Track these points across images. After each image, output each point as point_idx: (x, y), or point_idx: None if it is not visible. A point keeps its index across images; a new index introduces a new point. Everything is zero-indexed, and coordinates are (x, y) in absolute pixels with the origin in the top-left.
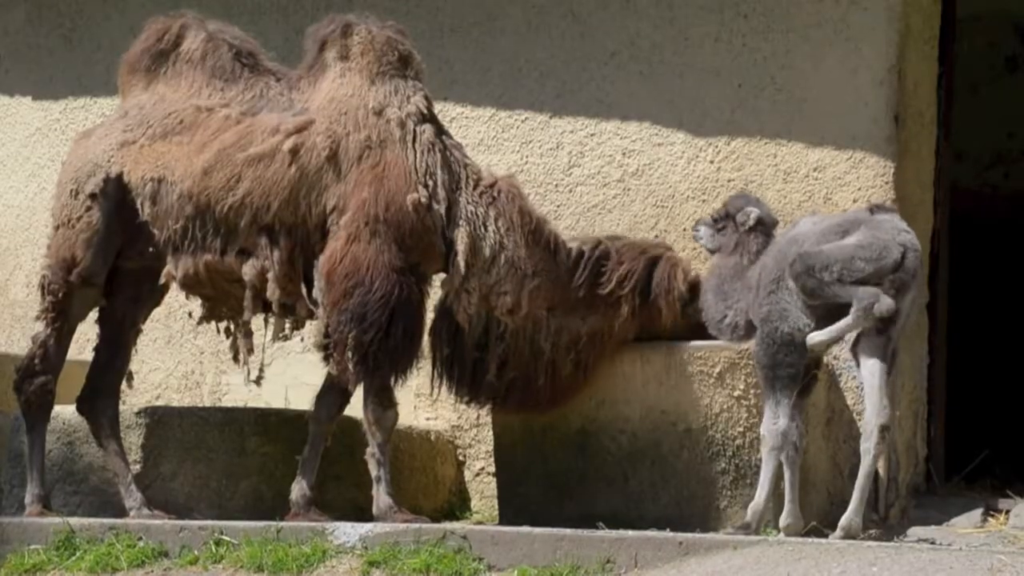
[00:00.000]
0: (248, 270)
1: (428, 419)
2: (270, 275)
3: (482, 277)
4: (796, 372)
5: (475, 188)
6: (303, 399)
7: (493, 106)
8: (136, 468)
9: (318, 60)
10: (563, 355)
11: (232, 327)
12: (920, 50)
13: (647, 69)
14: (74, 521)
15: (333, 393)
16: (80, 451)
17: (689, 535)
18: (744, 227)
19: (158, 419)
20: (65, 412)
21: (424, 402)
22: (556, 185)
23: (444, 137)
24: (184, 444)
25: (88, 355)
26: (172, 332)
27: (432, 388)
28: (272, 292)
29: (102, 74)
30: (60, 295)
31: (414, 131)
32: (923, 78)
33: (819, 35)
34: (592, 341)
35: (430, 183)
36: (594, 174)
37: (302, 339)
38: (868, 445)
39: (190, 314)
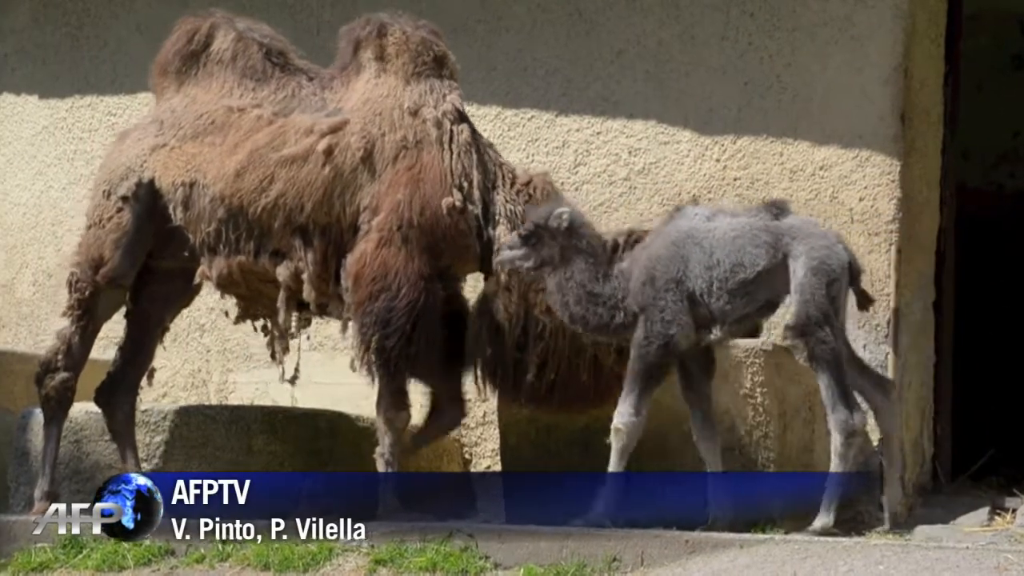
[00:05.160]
0: (283, 271)
1: None
2: (304, 276)
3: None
4: (666, 368)
5: (512, 186)
6: (309, 397)
7: (499, 104)
8: (144, 466)
9: (352, 60)
10: (605, 348)
11: (269, 326)
12: (926, 49)
13: (653, 68)
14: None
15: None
16: (87, 449)
17: (695, 533)
18: (560, 229)
19: (165, 417)
20: (74, 410)
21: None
22: (562, 183)
23: (479, 137)
24: (191, 442)
25: (95, 354)
26: (178, 331)
27: (479, 390)
28: (307, 293)
29: (108, 73)
30: (87, 293)
31: (451, 131)
32: (929, 76)
33: (825, 34)
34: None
35: (465, 185)
36: (600, 172)
37: (308, 337)
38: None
39: (226, 313)
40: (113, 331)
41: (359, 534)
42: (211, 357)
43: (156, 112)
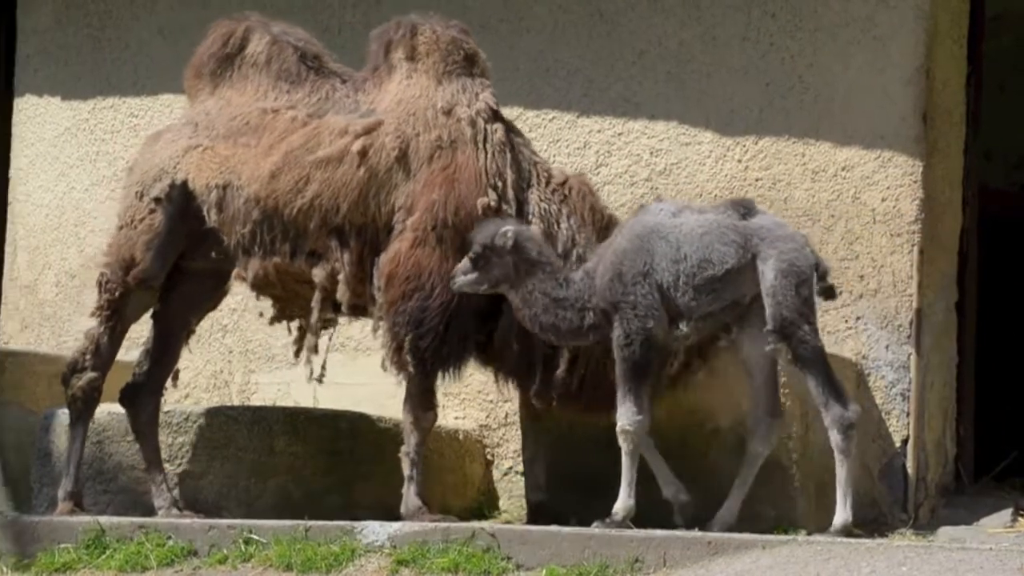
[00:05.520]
0: (319, 272)
1: (456, 418)
2: (340, 277)
3: None
4: (652, 364)
5: (547, 185)
6: (331, 398)
7: (520, 105)
8: (166, 467)
9: (384, 62)
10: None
11: (302, 326)
12: (949, 49)
13: (675, 68)
14: (104, 520)
15: None
16: (110, 450)
17: (718, 534)
18: (507, 248)
19: (187, 418)
20: (96, 411)
21: (452, 401)
22: None
23: (513, 135)
24: (213, 443)
25: (131, 356)
26: (200, 332)
27: (500, 390)
28: (342, 293)
29: (130, 74)
30: (116, 294)
31: (485, 130)
32: (951, 77)
33: (847, 34)
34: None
35: (499, 185)
36: (622, 173)
37: (329, 338)
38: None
39: (261, 313)
40: (136, 332)
41: (381, 535)
42: (233, 358)
43: (190, 114)
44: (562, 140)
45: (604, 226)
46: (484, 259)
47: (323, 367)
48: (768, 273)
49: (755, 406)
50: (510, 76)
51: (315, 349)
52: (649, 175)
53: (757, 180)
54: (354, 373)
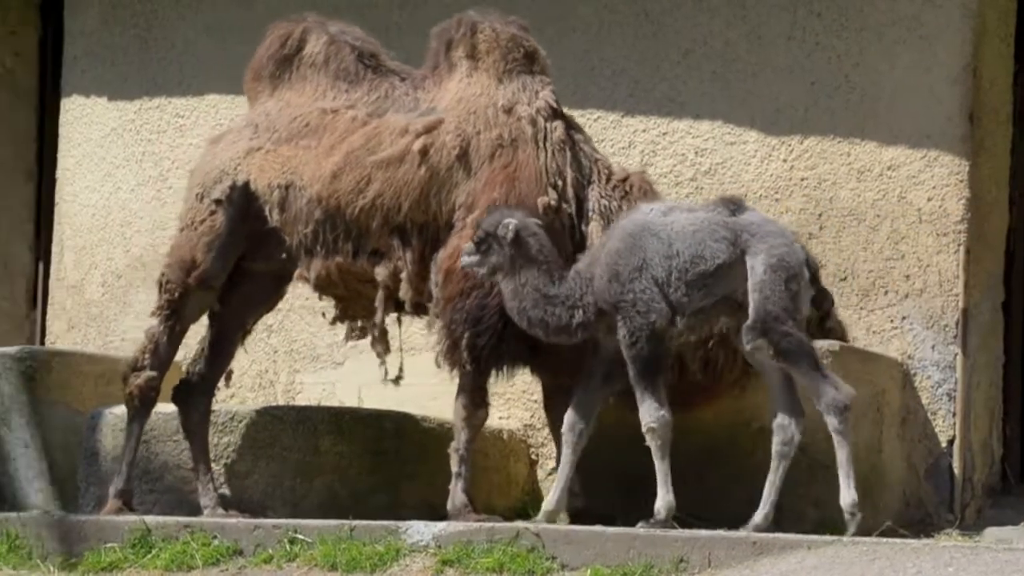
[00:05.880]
0: (381, 271)
1: (501, 418)
2: (403, 275)
3: None
4: (663, 358)
5: (607, 182)
6: (376, 398)
7: (566, 105)
8: (212, 466)
9: (444, 60)
10: (691, 352)
11: (366, 327)
12: (995, 47)
13: (720, 68)
14: (150, 519)
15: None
16: (156, 450)
17: (763, 534)
18: (507, 240)
19: (233, 417)
20: None
21: (497, 401)
22: None
23: (573, 132)
24: (258, 443)
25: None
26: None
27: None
28: (404, 292)
29: (176, 74)
30: (176, 295)
31: (545, 128)
32: (998, 76)
33: (893, 33)
34: (724, 341)
35: (559, 183)
36: (667, 173)
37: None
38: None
39: (323, 314)
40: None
41: (426, 535)
42: (278, 358)
43: (250, 116)
44: (607, 140)
45: None
46: (486, 245)
47: (400, 368)
48: (757, 268)
49: (775, 407)
50: (555, 76)
51: (388, 349)
52: (694, 175)
53: (802, 180)
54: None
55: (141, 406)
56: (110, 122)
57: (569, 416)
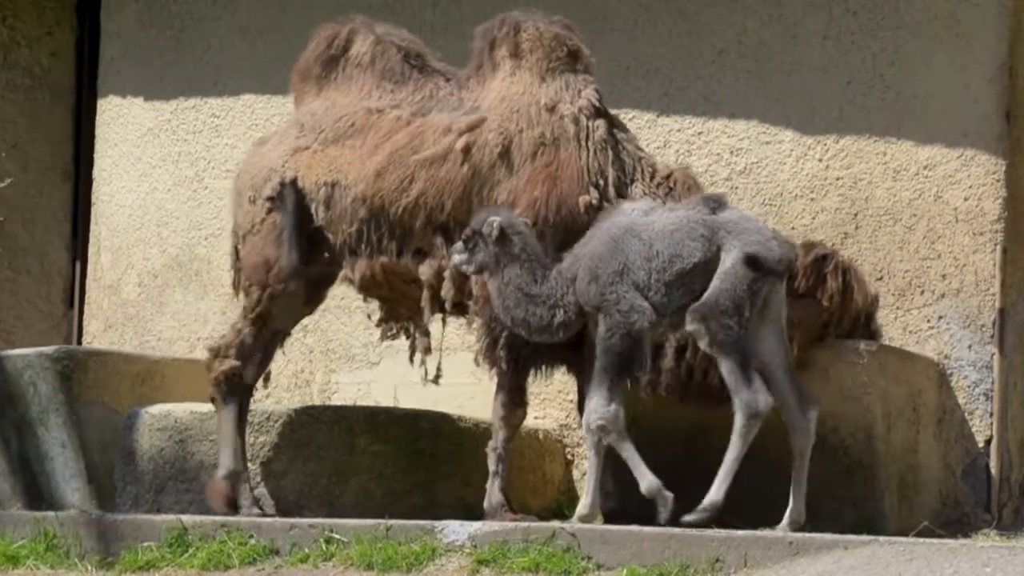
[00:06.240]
0: (425, 270)
1: (536, 418)
2: (447, 274)
3: None
4: (634, 360)
5: (651, 179)
6: (412, 398)
7: None
8: (248, 466)
9: (488, 59)
10: None
11: (411, 328)
12: None
13: (755, 67)
14: (186, 518)
15: None
16: (192, 449)
17: (799, 535)
18: (492, 238)
19: (268, 417)
20: (177, 410)
21: (533, 400)
22: None
23: (616, 131)
24: (294, 442)
25: (199, 354)
26: None
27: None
28: (447, 291)
29: (212, 74)
30: (261, 297)
31: (587, 127)
32: None
33: (929, 32)
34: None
35: (601, 183)
36: (701, 172)
37: (406, 338)
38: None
39: (369, 316)
40: (216, 332)
41: (462, 534)
42: (314, 358)
43: (296, 116)
44: (642, 139)
45: None
46: (472, 243)
47: (439, 367)
48: (727, 261)
49: (785, 401)
50: None
51: (429, 349)
52: (729, 174)
53: (838, 179)
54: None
55: (229, 390)
56: (146, 122)
57: (585, 417)
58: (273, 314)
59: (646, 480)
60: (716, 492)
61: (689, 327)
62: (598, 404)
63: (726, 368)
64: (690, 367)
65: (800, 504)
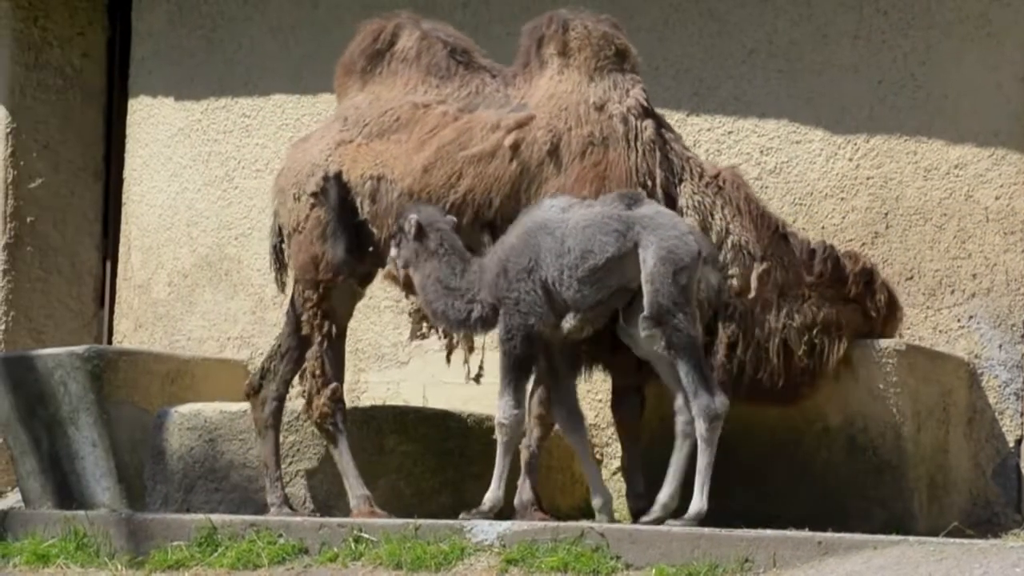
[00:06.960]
0: None
1: None
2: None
3: None
4: (534, 359)
5: (700, 179)
6: (441, 398)
7: None
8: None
9: (535, 57)
10: (796, 337)
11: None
12: None
13: (785, 66)
14: (216, 518)
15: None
16: (221, 448)
17: (828, 534)
18: (410, 234)
19: (298, 416)
20: (207, 410)
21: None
22: None
23: (664, 131)
24: (323, 441)
25: (228, 354)
26: None
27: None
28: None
29: (243, 75)
30: (316, 295)
31: (636, 127)
32: None
33: (960, 31)
34: (827, 329)
35: (649, 183)
36: None
37: (440, 338)
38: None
39: (409, 314)
40: (246, 331)
41: (491, 534)
42: None
43: (339, 110)
44: None
45: (760, 214)
46: (397, 239)
47: (480, 365)
48: (648, 260)
49: (675, 392)
50: None
51: (472, 348)
52: (759, 174)
53: (868, 178)
54: (463, 373)
55: (343, 419)
56: (177, 122)
57: (557, 417)
58: (334, 308)
59: (493, 493)
60: (697, 503)
61: (644, 333)
62: (506, 405)
63: (683, 370)
64: (741, 363)
65: (674, 491)
